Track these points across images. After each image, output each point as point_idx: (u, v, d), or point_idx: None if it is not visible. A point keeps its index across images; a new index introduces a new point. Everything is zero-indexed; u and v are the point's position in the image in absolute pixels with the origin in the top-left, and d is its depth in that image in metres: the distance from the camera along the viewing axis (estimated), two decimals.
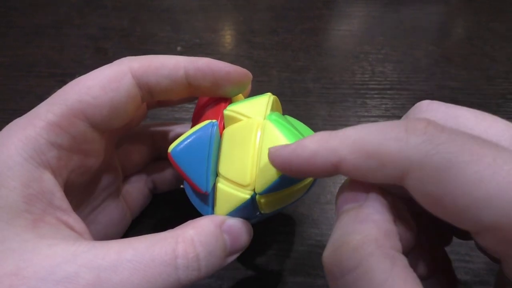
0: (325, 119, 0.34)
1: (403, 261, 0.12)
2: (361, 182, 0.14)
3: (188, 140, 0.18)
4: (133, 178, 0.25)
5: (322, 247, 0.26)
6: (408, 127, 0.12)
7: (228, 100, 0.20)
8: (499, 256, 0.12)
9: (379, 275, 0.11)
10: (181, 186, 0.27)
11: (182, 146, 0.18)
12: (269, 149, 0.15)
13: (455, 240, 0.20)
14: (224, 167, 0.18)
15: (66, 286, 0.13)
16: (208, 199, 0.18)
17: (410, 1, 0.50)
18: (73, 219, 0.16)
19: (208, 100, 0.21)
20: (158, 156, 0.26)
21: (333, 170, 0.13)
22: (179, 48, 0.42)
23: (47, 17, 0.46)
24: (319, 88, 0.37)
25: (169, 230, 0.16)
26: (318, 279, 0.24)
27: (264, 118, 0.18)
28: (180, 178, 0.25)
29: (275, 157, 0.14)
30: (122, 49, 0.42)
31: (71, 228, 0.16)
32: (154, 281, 0.14)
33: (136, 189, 0.25)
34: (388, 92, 0.37)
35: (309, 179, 0.18)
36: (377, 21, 0.47)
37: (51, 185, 0.16)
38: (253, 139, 0.17)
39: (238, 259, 0.25)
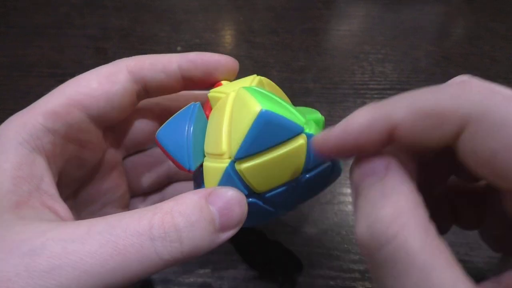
0: (325, 119, 0.34)
1: (433, 229, 0.12)
2: (375, 154, 0.13)
3: (169, 122, 0.18)
4: (143, 197, 0.24)
5: (322, 247, 0.26)
6: (463, 86, 0.12)
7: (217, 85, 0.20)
8: None
9: (416, 244, 0.11)
10: None
11: (163, 128, 0.18)
12: (314, 138, 0.14)
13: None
14: (206, 145, 0.18)
15: (31, 258, 0.12)
16: (200, 183, 0.18)
17: (410, 1, 0.50)
18: (60, 205, 0.16)
19: None
20: (176, 179, 0.25)
21: (387, 139, 0.13)
22: (179, 48, 0.42)
23: (47, 17, 0.46)
24: (319, 88, 0.37)
25: (149, 206, 0.15)
26: (319, 279, 0.24)
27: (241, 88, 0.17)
28: None
29: (323, 145, 0.14)
30: (122, 49, 0.42)
31: (57, 213, 0.16)
32: (126, 253, 0.13)
33: (144, 206, 0.24)
34: (388, 92, 0.37)
35: (297, 143, 0.16)
36: (377, 21, 0.47)
37: (41, 169, 0.16)
38: (227, 108, 0.17)
39: (238, 259, 0.25)
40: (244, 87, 0.17)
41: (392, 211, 0.12)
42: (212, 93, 0.19)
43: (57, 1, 0.48)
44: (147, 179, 0.24)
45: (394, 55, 0.41)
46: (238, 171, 0.16)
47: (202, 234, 0.14)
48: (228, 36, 0.45)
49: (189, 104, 0.19)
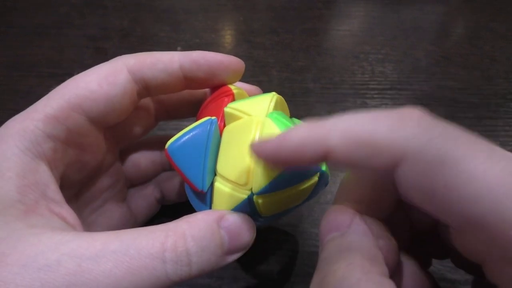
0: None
1: (390, 285, 0.12)
2: (343, 209, 0.14)
3: (186, 137, 0.17)
4: (140, 186, 0.25)
5: None
6: (402, 118, 0.12)
7: (230, 97, 0.20)
8: (480, 258, 0.12)
9: None
10: None
11: (179, 142, 0.17)
12: (252, 144, 0.14)
13: None
14: (222, 166, 0.17)
15: (46, 273, 0.13)
16: (206, 199, 0.18)
17: (410, 1, 0.50)
18: (66, 211, 0.16)
19: (212, 98, 0.21)
20: (169, 167, 0.25)
21: (323, 159, 0.13)
22: (179, 48, 0.42)
23: (47, 17, 0.46)
24: (319, 88, 0.37)
25: (162, 224, 0.15)
26: None
27: (265, 116, 0.17)
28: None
29: (259, 151, 0.14)
30: (122, 49, 0.42)
31: (64, 219, 0.16)
32: (138, 274, 0.13)
33: (142, 196, 0.24)
34: (388, 92, 0.37)
35: (312, 181, 0.17)
36: (377, 21, 0.47)
37: (46, 176, 0.16)
38: (252, 136, 0.16)
39: (237, 259, 0.25)
40: (270, 117, 0.17)
41: (345, 265, 0.12)
42: (230, 109, 0.18)
43: (57, 1, 0.48)
44: (143, 169, 0.24)
45: (394, 55, 0.41)
46: (255, 202, 0.17)
47: (210, 258, 0.15)
48: (228, 36, 0.45)
49: (206, 119, 0.18)
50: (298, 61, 0.41)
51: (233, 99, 0.20)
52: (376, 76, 0.39)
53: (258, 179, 0.16)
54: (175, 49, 0.42)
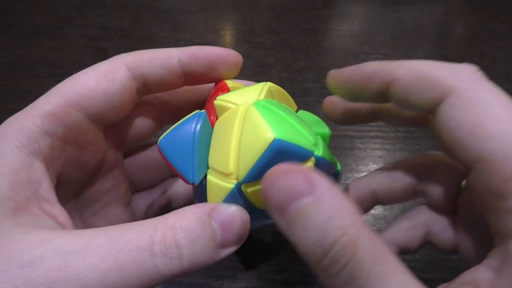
0: (325, 119, 0.34)
1: (375, 234, 0.13)
2: (291, 172, 0.13)
3: (174, 131, 0.17)
4: (146, 191, 0.24)
5: None
6: (459, 66, 0.15)
7: (225, 91, 0.19)
8: (484, 202, 0.14)
9: (369, 258, 0.12)
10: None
11: (167, 137, 0.17)
12: (330, 72, 0.18)
13: None
14: (211, 158, 0.17)
15: (29, 270, 0.12)
16: (203, 194, 0.18)
17: (410, 1, 0.50)
18: (58, 210, 0.16)
19: (211, 96, 0.20)
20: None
21: (385, 89, 0.16)
22: None
23: (47, 17, 0.46)
24: (319, 88, 0.37)
25: (151, 218, 0.14)
26: (318, 278, 0.24)
27: (251, 104, 0.17)
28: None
29: (335, 74, 0.17)
30: (122, 49, 0.42)
31: (55, 218, 0.16)
32: (126, 268, 0.13)
33: (147, 202, 0.24)
34: None
35: (309, 163, 0.16)
36: (377, 21, 0.47)
37: (39, 174, 0.16)
38: (236, 125, 0.16)
39: (238, 259, 0.25)
40: (255, 104, 0.16)
41: (341, 227, 0.12)
42: (219, 101, 0.18)
43: (57, 1, 0.48)
44: (148, 174, 0.24)
45: (394, 55, 0.41)
46: (244, 193, 0.16)
47: (202, 251, 0.14)
48: (228, 36, 0.45)
49: (194, 113, 0.18)
50: (298, 61, 0.41)
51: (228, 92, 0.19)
52: None
53: (242, 166, 0.15)
54: None
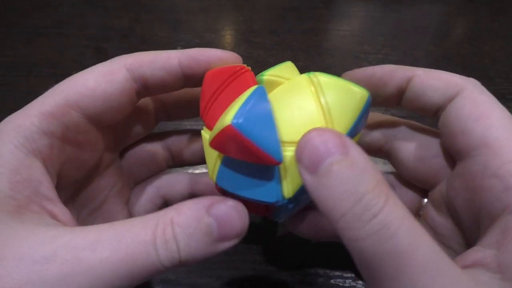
0: None
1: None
2: (325, 133, 0.14)
3: (249, 106, 0.15)
4: (141, 190, 0.24)
5: (323, 246, 0.26)
6: (468, 78, 0.18)
7: (249, 72, 0.19)
8: (480, 183, 0.16)
9: (409, 236, 0.13)
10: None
11: (245, 114, 0.15)
12: (347, 72, 0.20)
13: None
14: (286, 132, 0.16)
15: (43, 265, 0.13)
16: (273, 175, 0.16)
17: (410, 1, 0.50)
18: (59, 209, 0.16)
19: (220, 84, 0.19)
20: (172, 164, 0.25)
21: (404, 85, 0.18)
22: (179, 48, 0.42)
23: (47, 17, 0.46)
24: None
25: (154, 213, 0.15)
26: (318, 278, 0.24)
27: (307, 75, 0.18)
28: (194, 193, 0.24)
29: (354, 74, 0.19)
30: (122, 49, 0.42)
31: (56, 217, 0.16)
32: (134, 261, 0.13)
33: (144, 200, 0.24)
34: None
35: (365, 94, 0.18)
36: (377, 21, 0.47)
37: (39, 173, 0.16)
38: (311, 94, 0.17)
39: (238, 259, 0.25)
40: (317, 74, 0.17)
41: (374, 179, 0.13)
42: (269, 76, 0.19)
43: (57, 1, 0.48)
44: (145, 167, 0.24)
45: (394, 55, 0.41)
46: None
47: (198, 245, 0.15)
48: (228, 36, 0.45)
49: (255, 87, 0.16)
50: (298, 61, 0.41)
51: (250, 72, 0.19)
52: None
53: (338, 127, 0.16)
54: (175, 49, 0.42)
